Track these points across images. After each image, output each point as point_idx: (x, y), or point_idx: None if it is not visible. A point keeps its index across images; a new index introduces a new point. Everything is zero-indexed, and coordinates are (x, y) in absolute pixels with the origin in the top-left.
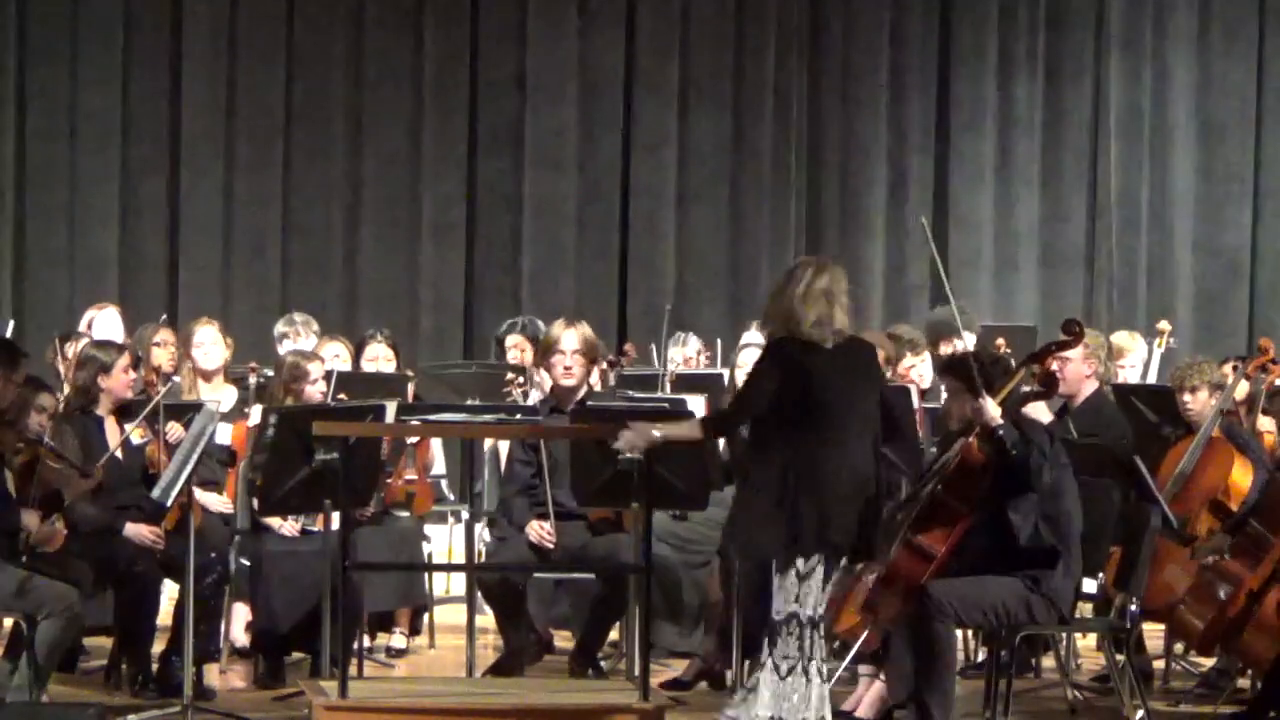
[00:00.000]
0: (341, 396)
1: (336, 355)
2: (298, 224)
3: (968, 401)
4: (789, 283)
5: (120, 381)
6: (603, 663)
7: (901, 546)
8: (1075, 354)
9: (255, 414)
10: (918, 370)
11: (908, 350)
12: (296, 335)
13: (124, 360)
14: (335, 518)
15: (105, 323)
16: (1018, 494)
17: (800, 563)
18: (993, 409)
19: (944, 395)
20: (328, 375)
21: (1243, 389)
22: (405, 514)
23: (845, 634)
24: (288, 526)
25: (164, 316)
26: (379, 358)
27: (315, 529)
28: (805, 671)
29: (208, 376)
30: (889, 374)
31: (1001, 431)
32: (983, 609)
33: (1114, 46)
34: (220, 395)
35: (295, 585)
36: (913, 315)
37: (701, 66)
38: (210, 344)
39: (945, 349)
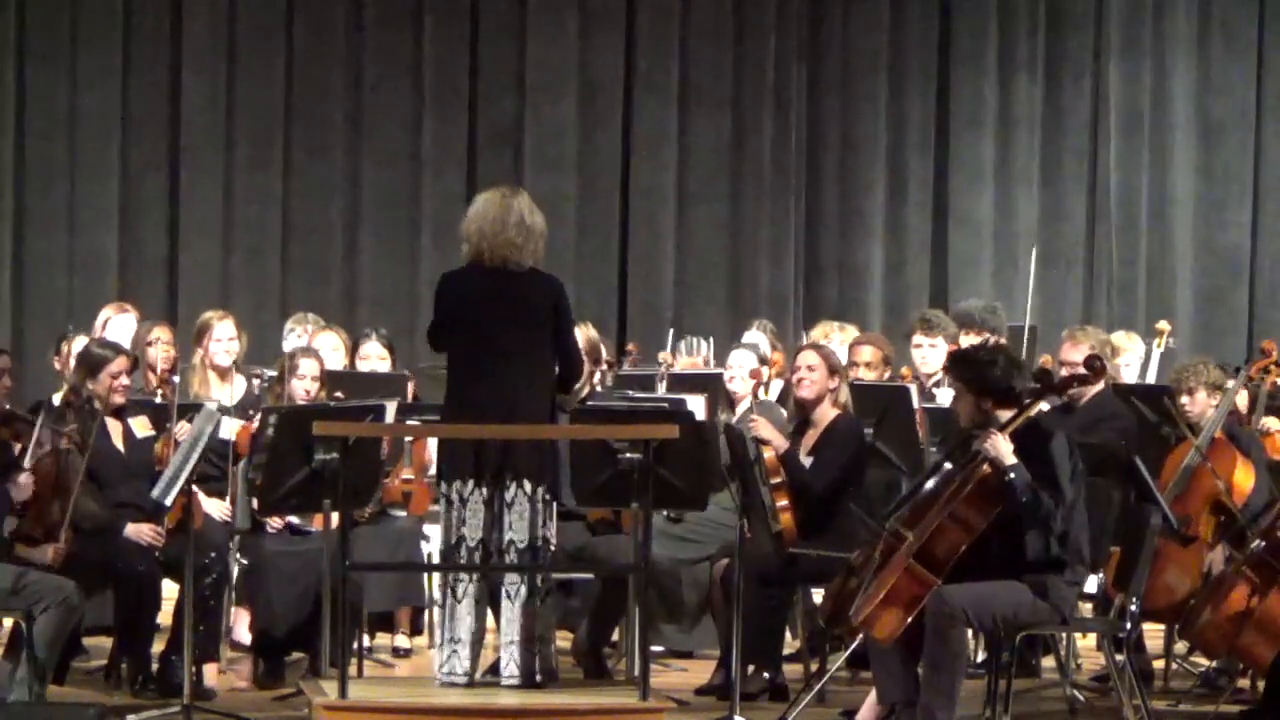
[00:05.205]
0: (339, 395)
1: (336, 349)
2: (298, 224)
3: (972, 402)
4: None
5: (106, 385)
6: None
7: (904, 572)
8: (1078, 355)
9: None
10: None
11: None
12: (303, 334)
13: (115, 365)
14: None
15: (120, 326)
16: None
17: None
18: (1004, 447)
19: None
20: (322, 375)
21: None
22: (402, 514)
23: (847, 636)
24: (275, 524)
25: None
26: (371, 356)
27: (310, 529)
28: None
29: (222, 372)
30: (886, 374)
31: (1013, 475)
32: (993, 614)
33: (1114, 46)
34: (231, 390)
35: (295, 585)
36: (912, 315)
37: (701, 66)
38: (229, 339)
39: (965, 340)
